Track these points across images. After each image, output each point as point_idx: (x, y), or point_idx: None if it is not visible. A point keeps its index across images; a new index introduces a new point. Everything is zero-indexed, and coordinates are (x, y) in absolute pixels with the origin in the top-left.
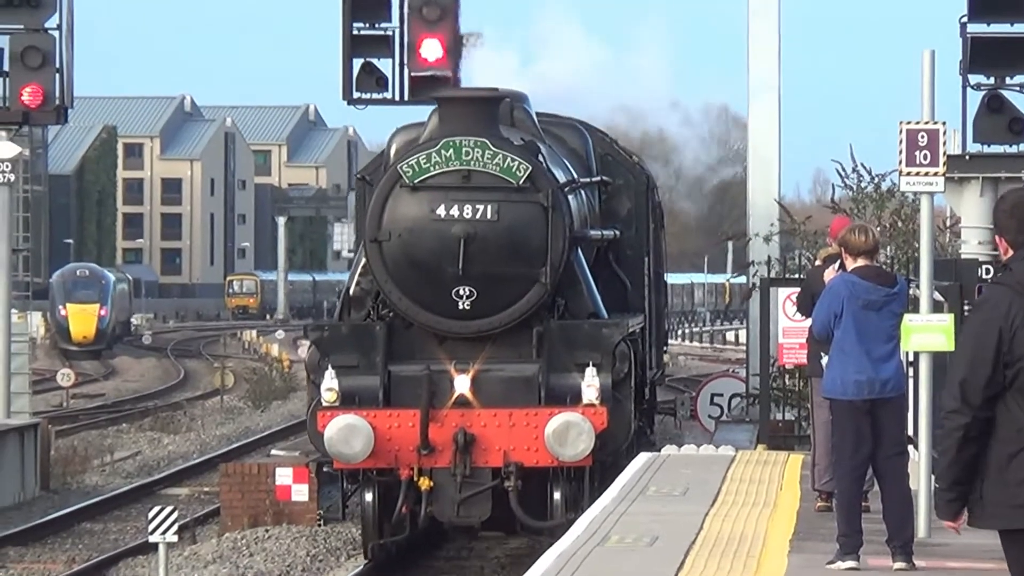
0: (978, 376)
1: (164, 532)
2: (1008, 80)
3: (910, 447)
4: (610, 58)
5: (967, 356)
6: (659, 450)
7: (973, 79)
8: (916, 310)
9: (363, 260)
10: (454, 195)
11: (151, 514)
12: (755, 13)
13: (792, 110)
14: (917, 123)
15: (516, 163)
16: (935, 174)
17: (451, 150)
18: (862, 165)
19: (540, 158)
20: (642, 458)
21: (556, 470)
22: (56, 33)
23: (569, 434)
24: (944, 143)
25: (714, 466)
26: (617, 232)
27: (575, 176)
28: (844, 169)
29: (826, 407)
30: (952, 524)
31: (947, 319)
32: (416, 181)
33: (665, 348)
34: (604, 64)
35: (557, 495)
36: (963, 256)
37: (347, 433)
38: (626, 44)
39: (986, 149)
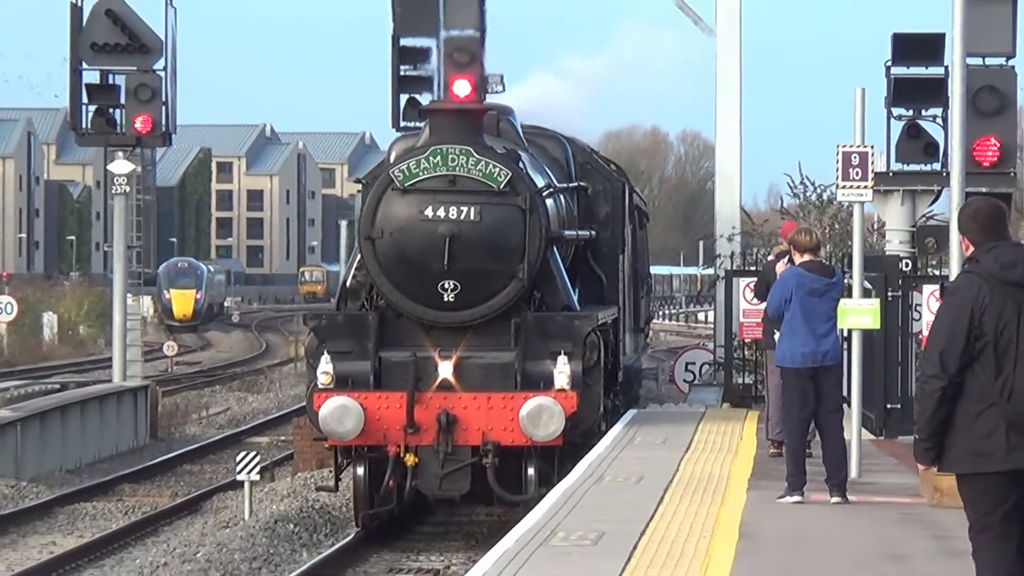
0: (954, 347)
1: (249, 472)
2: (924, 112)
3: (845, 406)
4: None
5: (945, 331)
6: (644, 407)
7: (895, 111)
8: (850, 295)
9: (359, 256)
10: (441, 198)
11: (238, 458)
12: (721, 56)
13: (751, 136)
14: (851, 146)
15: (497, 169)
16: (865, 187)
17: (438, 157)
18: (807, 178)
19: (520, 165)
20: (630, 414)
21: (530, 449)
22: (162, 73)
23: (542, 416)
24: (872, 162)
25: (688, 420)
26: (593, 232)
27: (554, 181)
28: (793, 181)
29: (778, 373)
30: (929, 468)
31: (874, 303)
32: (407, 184)
33: (647, 330)
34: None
35: (531, 471)
36: (887, 253)
37: (340, 413)
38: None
39: (906, 167)
